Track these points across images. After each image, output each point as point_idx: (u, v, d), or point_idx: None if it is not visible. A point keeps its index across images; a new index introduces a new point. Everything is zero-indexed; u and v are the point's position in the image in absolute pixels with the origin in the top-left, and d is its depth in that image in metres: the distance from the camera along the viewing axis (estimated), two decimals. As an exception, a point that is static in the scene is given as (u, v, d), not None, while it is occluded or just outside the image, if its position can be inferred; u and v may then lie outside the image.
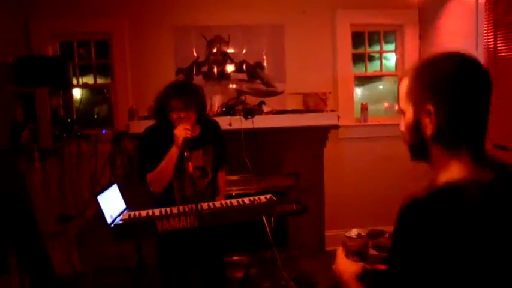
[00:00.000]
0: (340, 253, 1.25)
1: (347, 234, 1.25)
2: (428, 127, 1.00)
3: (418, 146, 1.05)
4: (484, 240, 0.90)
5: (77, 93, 4.12)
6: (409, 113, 1.04)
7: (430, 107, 0.98)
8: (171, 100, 2.38)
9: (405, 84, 1.04)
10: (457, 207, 0.91)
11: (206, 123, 2.62)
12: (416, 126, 1.03)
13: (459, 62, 0.99)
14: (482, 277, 0.90)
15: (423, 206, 0.93)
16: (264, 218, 2.23)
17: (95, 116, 4.36)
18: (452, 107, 0.96)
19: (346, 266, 1.20)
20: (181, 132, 2.28)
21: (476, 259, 0.90)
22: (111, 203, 2.56)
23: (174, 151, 2.33)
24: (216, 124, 2.71)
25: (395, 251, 0.96)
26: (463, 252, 0.90)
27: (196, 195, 2.13)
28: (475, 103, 0.97)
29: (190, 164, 2.16)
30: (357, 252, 1.22)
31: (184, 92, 2.40)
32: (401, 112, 1.08)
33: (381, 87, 4.77)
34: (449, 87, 0.96)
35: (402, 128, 1.09)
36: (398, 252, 0.96)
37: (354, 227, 3.92)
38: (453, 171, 0.99)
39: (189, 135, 2.29)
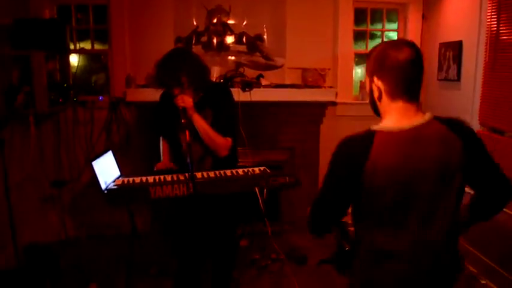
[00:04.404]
0: None
1: None
2: (375, 92, 1.43)
3: (373, 105, 1.48)
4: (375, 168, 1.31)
5: (74, 59, 4.08)
6: (367, 84, 1.49)
7: (375, 78, 1.41)
8: (161, 81, 2.40)
9: (367, 62, 1.48)
10: (364, 146, 1.33)
11: (210, 88, 2.59)
12: (370, 92, 1.46)
13: (388, 49, 1.38)
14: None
15: (346, 143, 1.39)
16: (257, 190, 2.24)
17: (93, 84, 4.32)
18: (386, 78, 1.38)
19: None
20: (179, 103, 2.33)
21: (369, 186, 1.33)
22: (106, 169, 2.56)
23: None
24: (221, 88, 2.66)
25: (326, 173, 1.44)
26: (355, 178, 1.33)
27: (192, 163, 2.14)
28: (398, 75, 1.36)
29: (187, 132, 2.19)
30: None
31: (170, 72, 2.35)
32: (365, 84, 1.62)
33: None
34: (382, 66, 1.38)
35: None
36: (326, 173, 1.44)
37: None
38: (386, 121, 1.41)
39: (182, 105, 2.32)
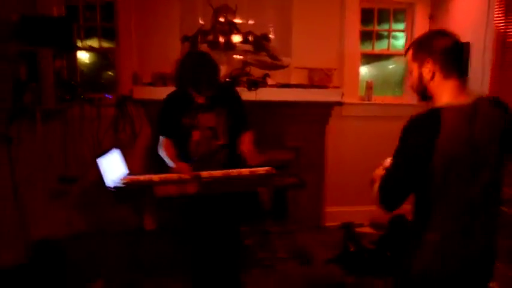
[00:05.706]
0: (379, 167, 1.76)
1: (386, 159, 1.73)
2: (428, 74, 1.57)
3: (423, 89, 1.61)
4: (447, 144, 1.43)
5: (81, 56, 4.09)
6: (415, 70, 1.61)
7: (429, 61, 1.56)
8: (193, 90, 2.46)
9: (410, 52, 1.63)
10: (434, 121, 1.44)
11: (221, 87, 2.63)
12: (420, 77, 1.59)
13: (435, 36, 1.59)
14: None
15: (415, 120, 1.49)
16: (261, 190, 2.25)
17: (102, 81, 4.35)
18: (441, 58, 1.55)
19: (379, 171, 1.69)
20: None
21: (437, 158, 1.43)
22: (113, 167, 2.58)
23: None
24: (228, 88, 2.74)
25: (396, 148, 1.53)
26: (428, 150, 1.43)
27: (202, 160, 2.19)
28: (451, 56, 1.55)
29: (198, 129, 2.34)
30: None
31: (205, 85, 2.42)
32: (410, 71, 1.65)
33: (390, 66, 4.71)
34: (434, 50, 1.56)
35: (410, 83, 1.66)
36: (397, 148, 1.52)
37: (355, 205, 4.02)
38: (442, 100, 1.54)
39: None
